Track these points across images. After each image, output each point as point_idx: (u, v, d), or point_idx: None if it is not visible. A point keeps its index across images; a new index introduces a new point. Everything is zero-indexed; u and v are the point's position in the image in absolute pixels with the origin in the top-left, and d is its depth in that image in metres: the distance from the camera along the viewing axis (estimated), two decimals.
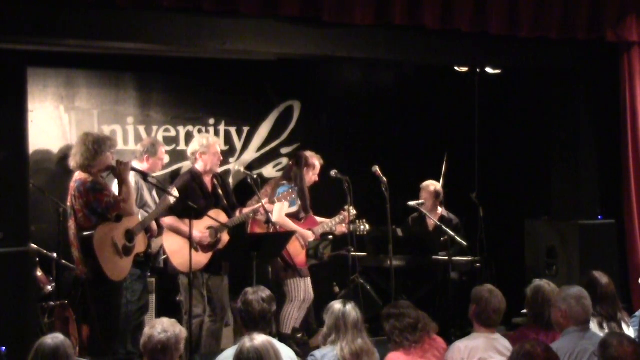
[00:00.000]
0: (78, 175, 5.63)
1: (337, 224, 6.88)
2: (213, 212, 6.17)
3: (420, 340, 4.58)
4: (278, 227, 6.42)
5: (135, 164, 6.22)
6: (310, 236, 6.72)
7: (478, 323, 4.67)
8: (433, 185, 7.43)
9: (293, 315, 6.57)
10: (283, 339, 6.07)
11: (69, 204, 5.68)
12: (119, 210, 5.59)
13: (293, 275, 6.55)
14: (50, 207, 6.59)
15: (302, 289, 6.59)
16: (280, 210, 6.52)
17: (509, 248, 8.04)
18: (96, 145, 5.63)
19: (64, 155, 6.79)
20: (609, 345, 3.78)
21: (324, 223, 6.86)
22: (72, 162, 5.68)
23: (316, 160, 6.85)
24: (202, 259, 6.16)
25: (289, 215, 6.64)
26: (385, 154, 8.01)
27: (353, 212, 6.81)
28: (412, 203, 7.32)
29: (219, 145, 6.50)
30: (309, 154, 6.84)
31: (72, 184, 5.62)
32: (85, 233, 5.51)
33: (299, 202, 6.72)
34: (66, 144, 6.91)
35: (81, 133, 6.14)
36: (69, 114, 7.05)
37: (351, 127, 8.25)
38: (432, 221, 7.37)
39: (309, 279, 6.70)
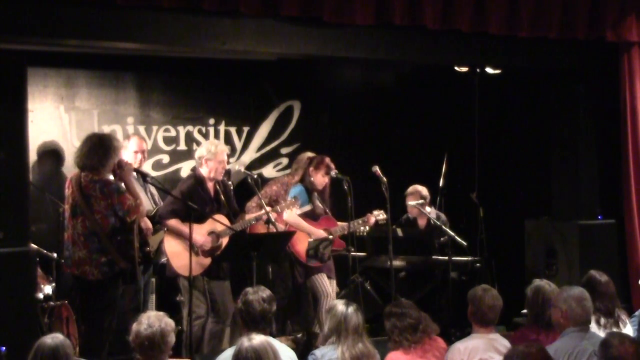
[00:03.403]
0: (95, 175, 5.51)
1: (360, 225, 6.77)
2: (215, 218, 6.17)
3: (420, 341, 4.57)
4: (289, 225, 6.47)
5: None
6: (324, 236, 6.65)
7: (475, 323, 4.67)
8: (418, 190, 7.39)
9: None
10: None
11: (71, 200, 5.60)
12: (137, 213, 5.58)
13: (314, 272, 6.56)
14: (50, 207, 6.59)
15: (327, 284, 6.59)
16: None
17: (509, 248, 8.04)
18: (112, 147, 5.60)
19: (64, 155, 6.81)
20: (610, 345, 3.77)
21: (345, 225, 6.65)
22: (85, 162, 5.56)
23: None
24: (202, 263, 6.16)
25: (303, 214, 6.62)
26: (385, 154, 8.02)
27: (383, 216, 6.74)
28: (412, 203, 7.33)
29: (227, 153, 6.47)
30: (308, 154, 6.84)
31: (88, 184, 5.48)
32: (123, 237, 5.50)
33: (316, 202, 6.71)
34: (66, 144, 6.92)
35: (84, 132, 6.12)
36: (69, 114, 7.05)
37: (351, 127, 8.25)
38: (423, 222, 7.45)
39: (334, 281, 6.72)
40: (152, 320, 4.00)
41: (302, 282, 6.62)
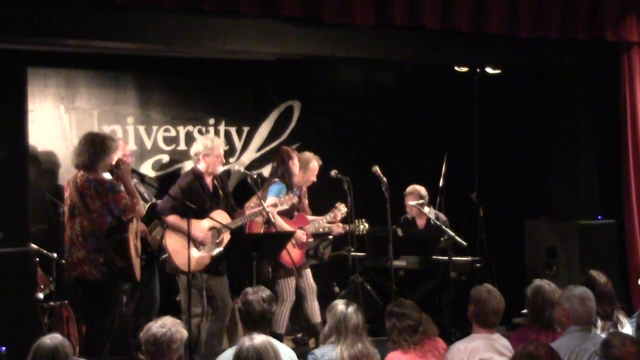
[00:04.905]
0: (90, 175, 5.52)
1: (328, 222, 6.81)
2: (216, 213, 6.18)
3: (419, 342, 4.56)
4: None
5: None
6: (302, 235, 6.64)
7: (477, 324, 4.65)
8: (417, 190, 7.39)
9: (285, 315, 6.55)
10: (279, 338, 6.07)
11: (69, 202, 5.61)
12: (133, 212, 5.58)
13: (284, 275, 6.53)
14: (50, 207, 6.59)
15: (293, 289, 6.56)
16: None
17: (509, 248, 8.03)
18: (104, 146, 5.60)
19: (64, 155, 6.81)
20: (611, 345, 3.77)
21: (315, 221, 6.78)
22: (78, 160, 5.59)
23: (314, 161, 6.83)
24: (204, 259, 6.16)
25: (280, 213, 6.61)
26: (385, 154, 8.01)
27: (344, 210, 6.79)
28: (412, 203, 7.33)
29: (222, 147, 6.48)
30: (308, 154, 6.83)
31: (84, 183, 5.50)
32: (118, 235, 5.50)
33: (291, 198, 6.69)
34: (66, 144, 6.92)
35: (84, 132, 6.10)
36: (69, 114, 7.04)
37: (351, 127, 8.25)
38: (422, 222, 7.46)
39: (308, 271, 6.68)
40: (168, 322, 4.00)
41: (270, 279, 6.55)
